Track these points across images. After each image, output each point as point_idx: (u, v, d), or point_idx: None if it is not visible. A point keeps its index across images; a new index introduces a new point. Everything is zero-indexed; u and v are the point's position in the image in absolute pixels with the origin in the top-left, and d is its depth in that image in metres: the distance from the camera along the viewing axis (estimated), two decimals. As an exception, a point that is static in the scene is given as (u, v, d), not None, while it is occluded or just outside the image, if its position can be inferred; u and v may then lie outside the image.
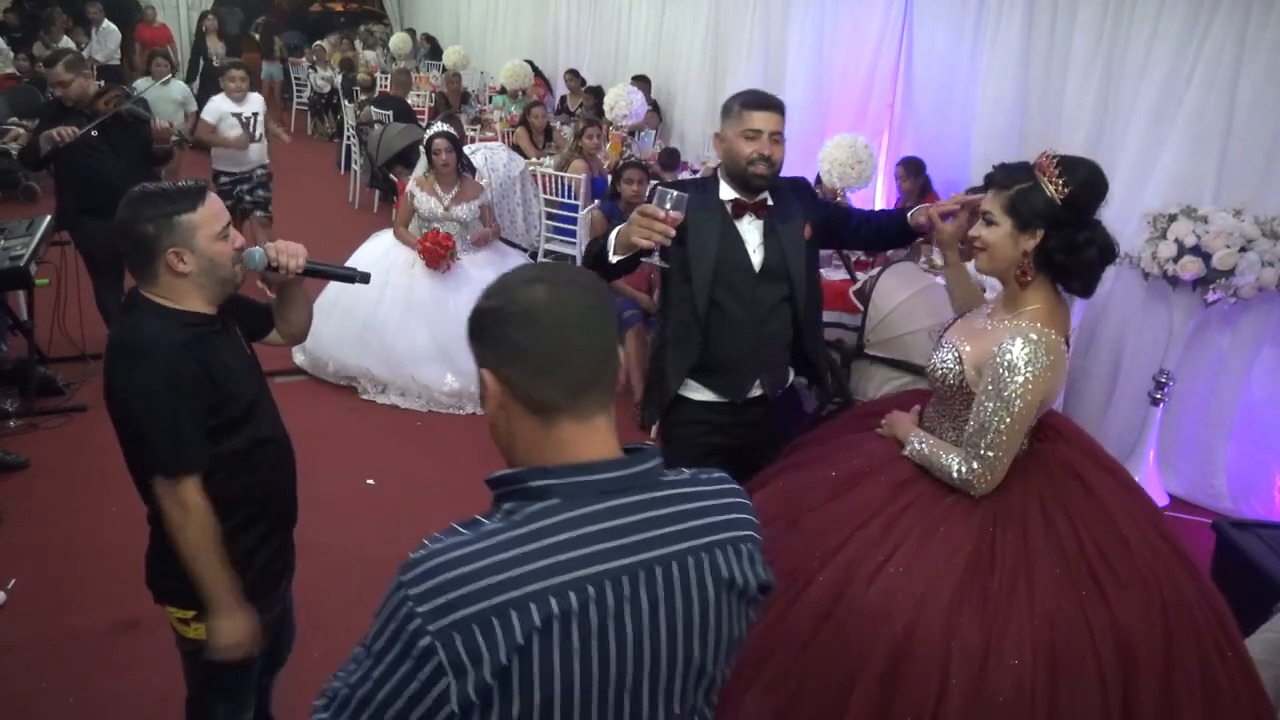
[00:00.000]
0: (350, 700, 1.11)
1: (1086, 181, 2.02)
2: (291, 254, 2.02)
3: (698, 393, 2.71)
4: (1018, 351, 1.98)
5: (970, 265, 2.39)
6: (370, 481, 4.21)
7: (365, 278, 2.23)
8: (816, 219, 2.72)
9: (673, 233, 2.32)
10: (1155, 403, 4.25)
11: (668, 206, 2.30)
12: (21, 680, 2.89)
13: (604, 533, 1.12)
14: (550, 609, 1.06)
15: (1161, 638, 1.90)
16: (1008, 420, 1.99)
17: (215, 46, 10.90)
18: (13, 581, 3.30)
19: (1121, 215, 4.40)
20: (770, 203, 2.63)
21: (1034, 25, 4.89)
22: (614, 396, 1.20)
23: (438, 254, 5.06)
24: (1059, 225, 2.01)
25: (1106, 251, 2.05)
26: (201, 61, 11.78)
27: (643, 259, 2.45)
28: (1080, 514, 2.02)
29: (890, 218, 2.81)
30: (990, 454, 2.01)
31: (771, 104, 2.60)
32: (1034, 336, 1.99)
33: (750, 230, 2.64)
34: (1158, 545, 2.03)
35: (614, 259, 2.44)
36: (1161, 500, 4.33)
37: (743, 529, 1.24)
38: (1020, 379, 1.97)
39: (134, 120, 4.75)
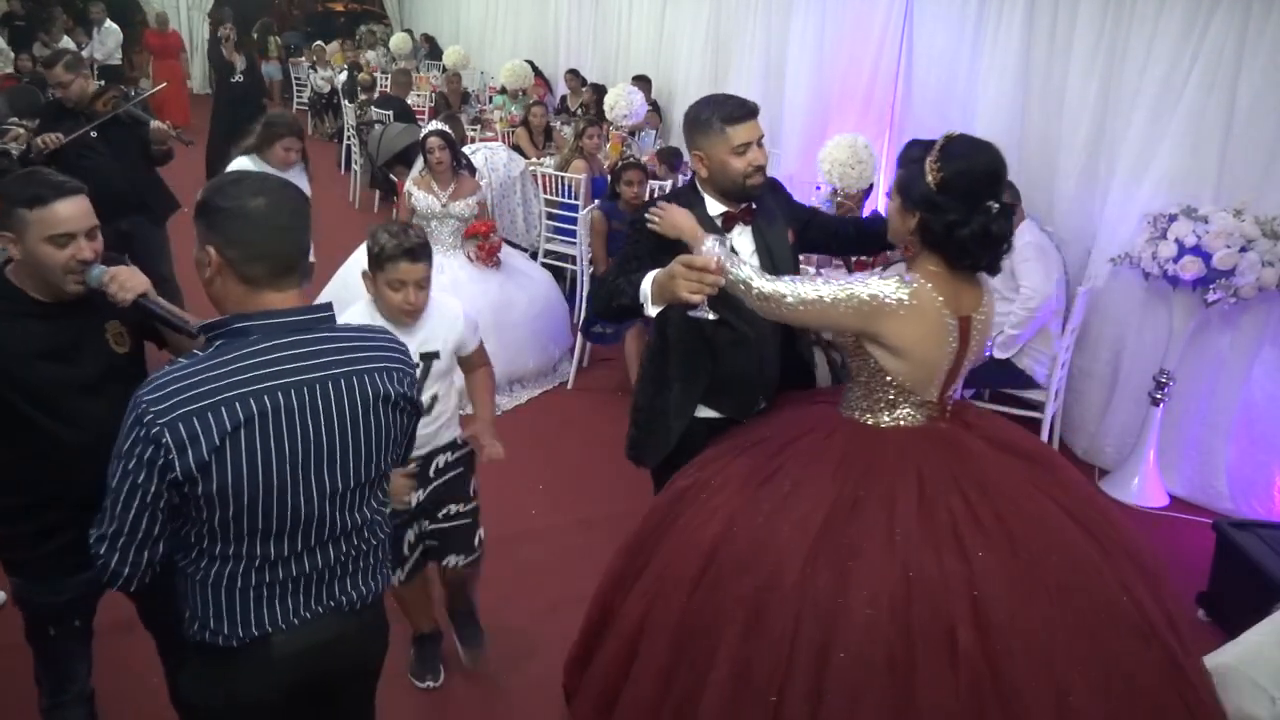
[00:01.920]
0: (107, 503, 1.54)
1: (963, 170, 2.08)
2: (124, 286, 2.02)
3: (701, 411, 2.63)
4: (875, 279, 2.13)
5: None
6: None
7: (195, 335, 2.01)
8: (798, 223, 2.68)
9: (723, 281, 2.14)
10: (1155, 403, 4.25)
11: (715, 254, 2.15)
12: (21, 680, 2.88)
13: (287, 358, 1.59)
14: (250, 408, 1.53)
15: (1036, 607, 1.88)
16: (822, 291, 2.10)
17: (233, 58, 9.87)
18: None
19: (1121, 214, 4.40)
20: (754, 206, 2.58)
21: (1034, 25, 4.89)
22: (307, 275, 1.76)
23: (493, 250, 5.27)
24: (932, 208, 2.09)
25: (985, 237, 2.10)
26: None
27: (689, 312, 2.26)
28: (959, 487, 2.04)
29: (872, 224, 2.78)
30: (785, 291, 2.13)
31: (751, 111, 2.46)
32: (904, 277, 2.12)
33: (742, 240, 2.58)
34: (1057, 525, 2.01)
35: (653, 311, 2.28)
36: (1162, 500, 4.32)
37: (393, 361, 1.73)
38: (865, 283, 2.10)
39: (132, 121, 4.74)
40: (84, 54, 9.92)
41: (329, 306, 1.71)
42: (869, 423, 2.22)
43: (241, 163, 4.47)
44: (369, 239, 2.59)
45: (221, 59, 8.84)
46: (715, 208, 2.53)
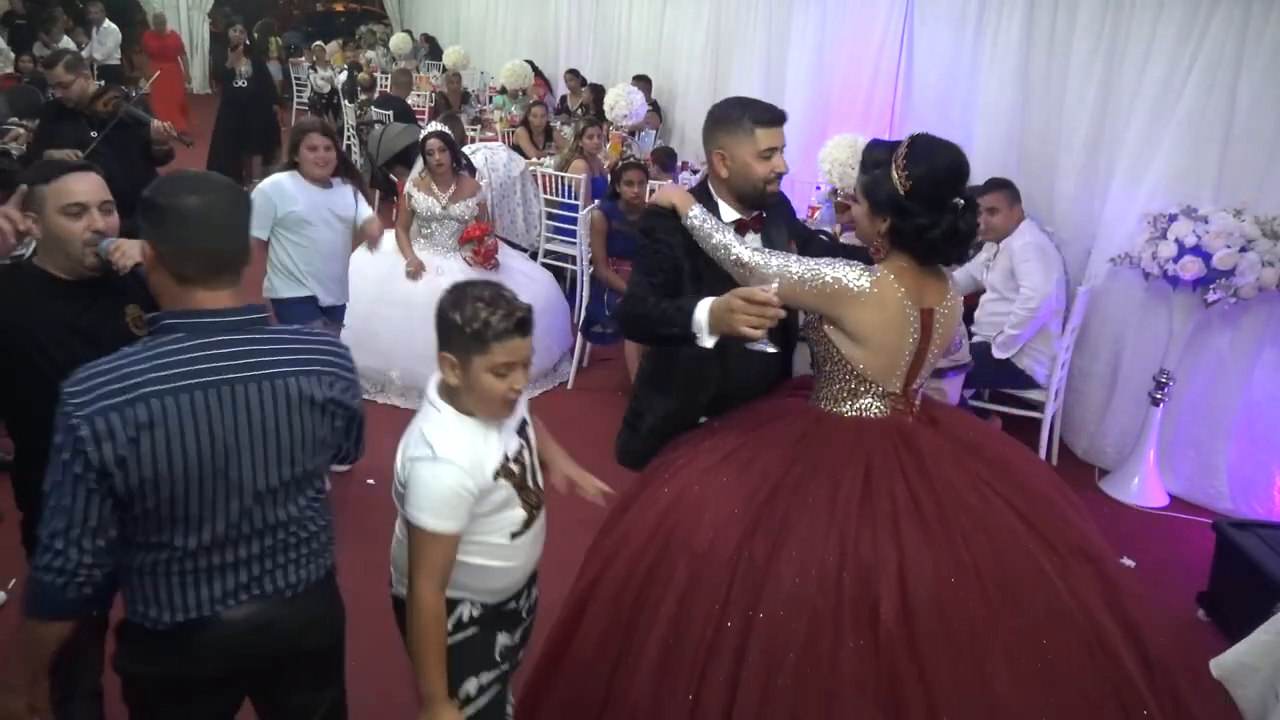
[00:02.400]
0: (50, 500, 1.59)
1: (928, 175, 2.08)
2: (125, 254, 2.07)
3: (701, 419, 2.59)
4: (844, 264, 2.15)
5: None
6: (370, 481, 4.21)
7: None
8: (799, 239, 2.66)
9: (784, 313, 2.07)
10: (1156, 403, 4.25)
11: (773, 286, 2.08)
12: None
13: (210, 357, 1.63)
14: (164, 405, 1.57)
15: (966, 597, 1.88)
16: (793, 269, 2.16)
17: (240, 64, 9.09)
18: (13, 581, 3.29)
19: (1121, 215, 4.40)
20: (764, 215, 2.55)
21: (1034, 25, 4.89)
22: (239, 276, 1.72)
23: (489, 254, 5.25)
24: (902, 213, 2.11)
25: (954, 236, 2.13)
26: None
27: (748, 345, 2.15)
28: (905, 477, 2.05)
29: (858, 250, 2.72)
30: (760, 262, 2.20)
31: (781, 117, 2.41)
32: (872, 269, 2.15)
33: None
34: (1003, 525, 2.01)
35: (709, 343, 2.17)
36: (1162, 500, 4.33)
37: (326, 365, 1.76)
38: (832, 266, 2.14)
39: (133, 122, 4.74)
40: (83, 54, 9.81)
41: (263, 308, 1.75)
42: (833, 411, 2.24)
43: (279, 178, 4.05)
44: (451, 310, 1.85)
45: (227, 64, 8.71)
46: (729, 213, 2.48)
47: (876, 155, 2.20)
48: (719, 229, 2.31)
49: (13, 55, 11.30)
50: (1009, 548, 1.97)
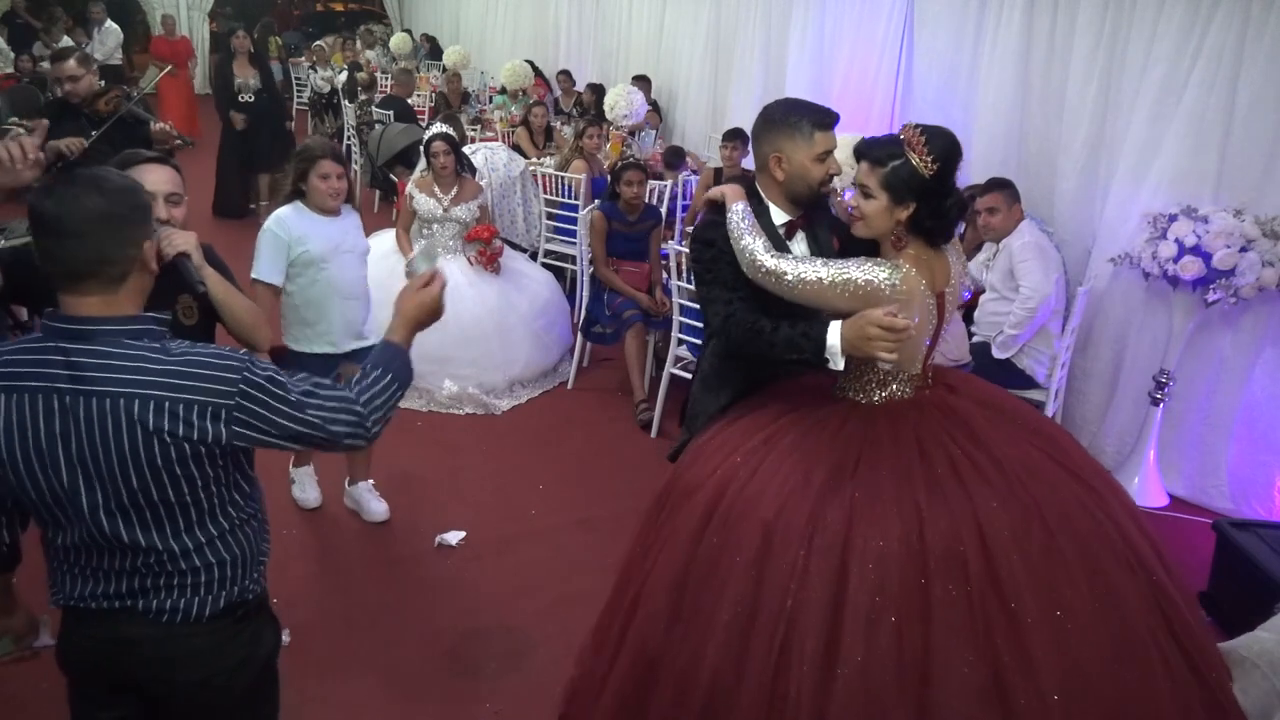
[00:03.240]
0: None
1: (949, 152, 2.21)
2: (171, 242, 2.11)
3: None
4: (870, 264, 2.19)
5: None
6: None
7: (198, 295, 2.26)
8: (839, 232, 2.65)
9: (914, 334, 2.16)
10: (1156, 403, 4.25)
11: (913, 316, 2.15)
12: (19, 681, 2.88)
13: (49, 363, 1.58)
14: None
15: (1033, 536, 2.01)
16: (821, 274, 2.19)
17: (246, 74, 7.87)
18: (13, 581, 3.29)
19: (1121, 214, 4.40)
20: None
21: (1034, 26, 4.89)
22: (121, 282, 1.63)
23: (494, 256, 5.25)
24: (927, 196, 2.21)
25: (963, 208, 2.29)
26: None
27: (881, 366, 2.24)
28: (954, 439, 2.17)
29: None
30: (787, 269, 2.22)
31: (837, 118, 2.45)
32: (897, 263, 2.20)
33: (798, 247, 2.54)
34: (1044, 468, 2.15)
35: (841, 366, 2.20)
36: (1162, 500, 4.33)
37: (177, 390, 1.59)
38: (861, 268, 2.17)
39: (134, 121, 4.74)
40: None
41: (136, 320, 1.64)
42: (863, 401, 2.33)
43: (283, 215, 3.55)
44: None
45: (228, 77, 7.62)
46: (779, 215, 2.50)
47: (885, 149, 2.24)
48: (751, 231, 2.33)
49: (12, 55, 11.32)
50: (1058, 489, 2.12)
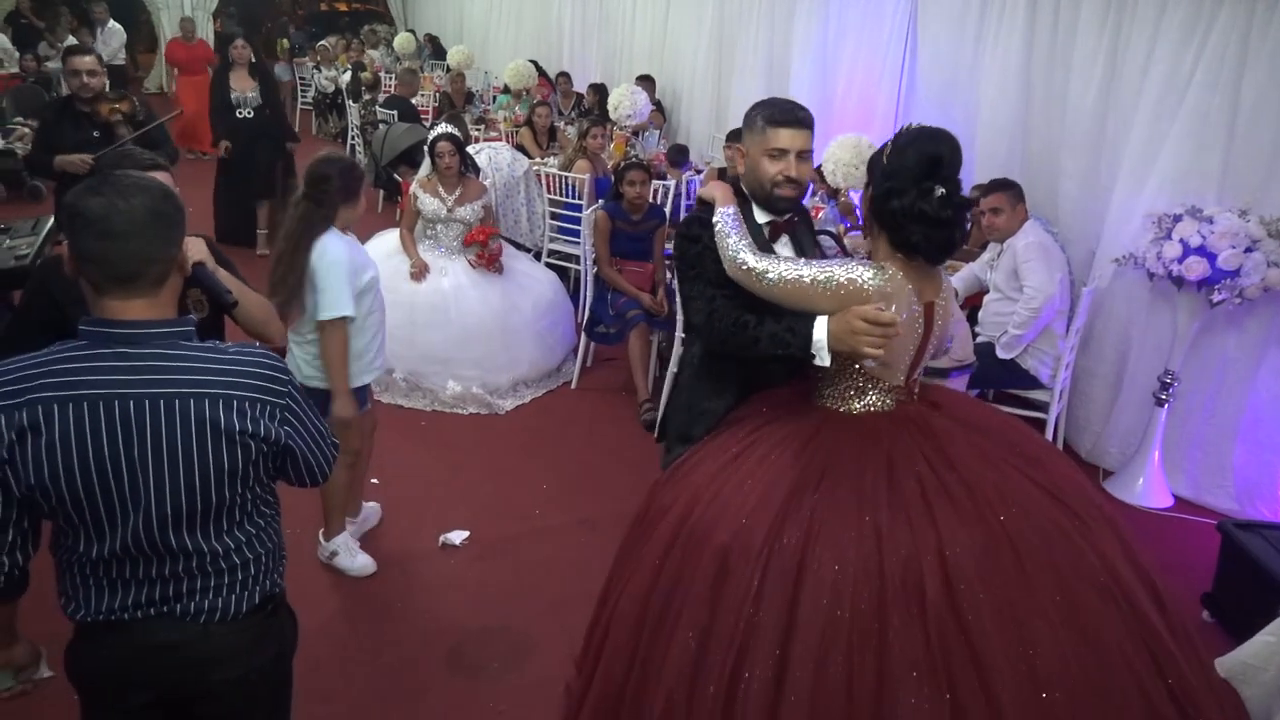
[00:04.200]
0: None
1: (908, 149, 2.19)
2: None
3: None
4: (851, 263, 2.19)
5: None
6: (374, 481, 4.21)
7: (230, 307, 2.16)
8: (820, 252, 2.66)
9: (901, 333, 2.12)
10: (1160, 403, 4.24)
11: (894, 309, 2.11)
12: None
13: (108, 369, 1.56)
14: (45, 411, 1.53)
15: (1001, 567, 1.92)
16: (802, 272, 2.17)
17: (244, 87, 6.93)
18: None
19: (1124, 215, 4.39)
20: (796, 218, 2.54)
21: (1036, 25, 4.88)
22: (161, 284, 1.62)
23: (493, 257, 5.23)
24: (882, 190, 2.21)
25: (920, 216, 2.22)
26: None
27: (866, 364, 2.20)
28: (926, 460, 2.10)
29: None
30: (769, 268, 2.20)
31: (800, 119, 2.37)
32: (882, 266, 2.18)
33: (783, 251, 2.51)
34: (1023, 493, 2.06)
35: (828, 361, 2.15)
36: (1166, 501, 4.32)
37: (241, 389, 1.62)
38: (845, 266, 2.16)
39: (139, 128, 4.73)
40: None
41: (180, 322, 1.65)
42: (840, 410, 2.28)
43: (335, 243, 3.23)
44: None
45: (224, 90, 6.88)
46: (762, 215, 2.48)
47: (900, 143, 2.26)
48: (737, 230, 2.31)
49: (17, 54, 11.34)
50: (1033, 514, 2.03)
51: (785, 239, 2.52)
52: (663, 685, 2.00)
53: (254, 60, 6.93)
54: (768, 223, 2.49)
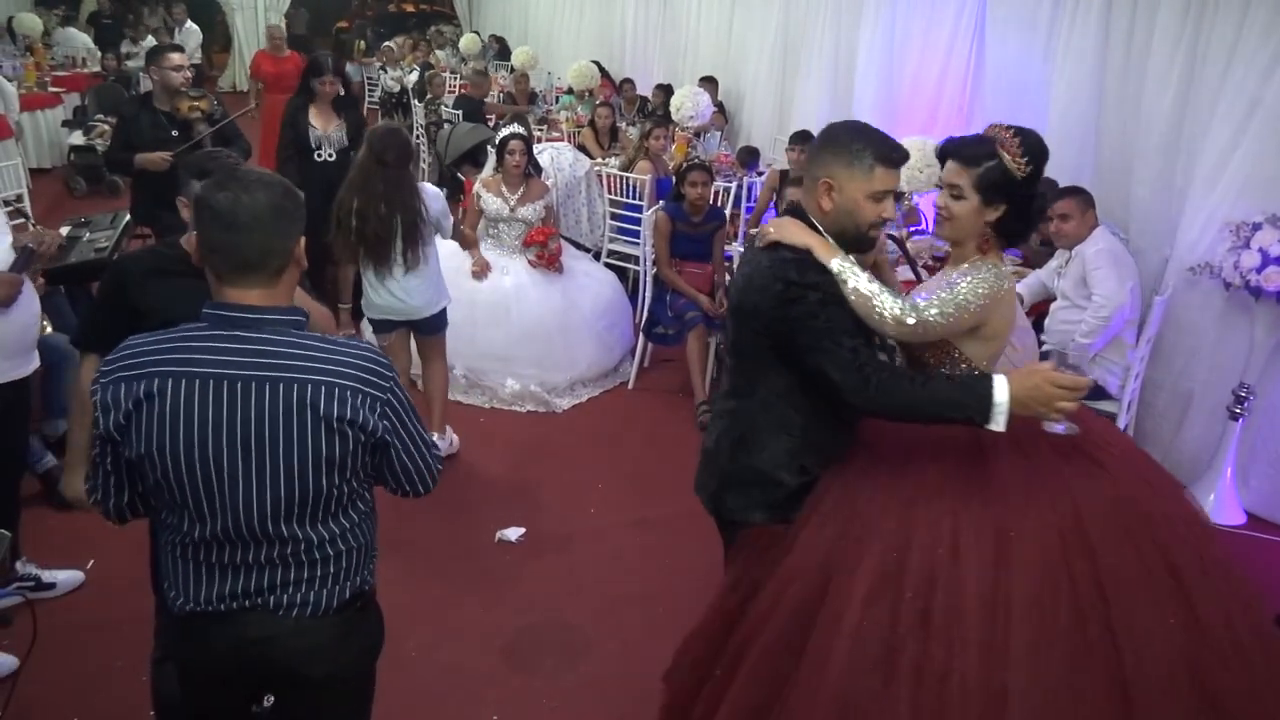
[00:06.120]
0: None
1: (1040, 154, 2.19)
2: None
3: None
4: (981, 271, 2.19)
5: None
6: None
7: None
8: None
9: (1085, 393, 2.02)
10: (1235, 417, 4.12)
11: (1072, 364, 2.06)
12: (98, 657, 2.99)
13: (217, 349, 1.65)
14: (160, 385, 1.63)
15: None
16: (959, 299, 2.13)
17: (327, 125, 5.63)
18: (91, 562, 3.41)
19: (1199, 222, 4.27)
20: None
21: (1111, 27, 4.76)
22: (279, 275, 1.71)
23: (553, 258, 5.27)
24: (1018, 198, 2.19)
25: (1043, 210, 2.39)
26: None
27: (1047, 426, 2.08)
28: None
29: None
30: (930, 310, 2.12)
31: (906, 158, 2.20)
32: (994, 267, 2.21)
33: None
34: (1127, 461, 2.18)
35: (1002, 428, 1.97)
36: (1239, 518, 4.20)
37: (344, 379, 1.68)
38: (978, 278, 2.16)
39: (220, 138, 4.85)
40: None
41: (293, 311, 1.73)
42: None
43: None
44: None
45: (301, 128, 5.52)
46: None
47: (977, 149, 2.20)
48: (871, 282, 2.13)
49: (99, 53, 11.73)
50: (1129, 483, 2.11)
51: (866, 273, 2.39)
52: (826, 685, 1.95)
53: (342, 92, 5.71)
54: None
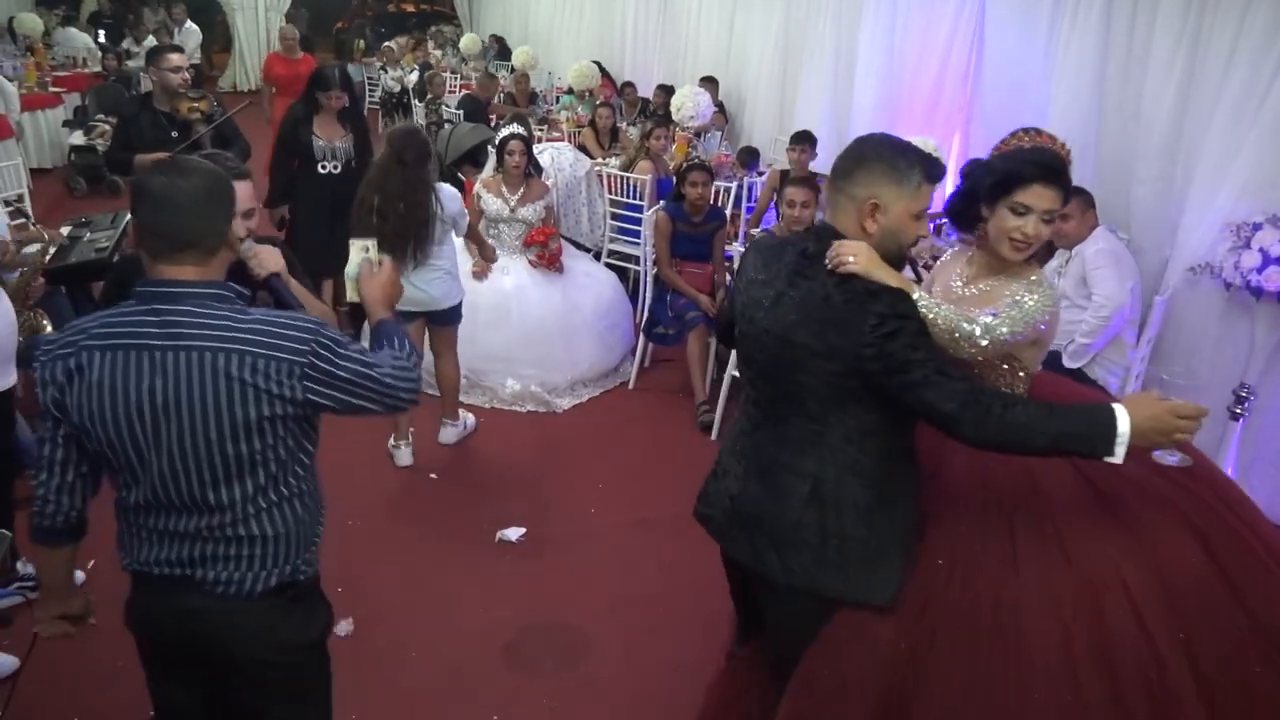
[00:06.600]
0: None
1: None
2: (262, 263, 2.22)
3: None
4: (1044, 285, 2.24)
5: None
6: (432, 475, 4.27)
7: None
8: None
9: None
10: (1235, 417, 4.12)
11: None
12: (100, 659, 2.98)
13: (144, 323, 1.73)
14: (85, 359, 1.73)
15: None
16: (1023, 322, 2.16)
17: (333, 135, 5.38)
18: (91, 563, 3.40)
19: (1200, 221, 4.26)
20: None
21: (1112, 25, 4.76)
22: (212, 255, 1.79)
23: (553, 258, 5.27)
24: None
25: None
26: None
27: (1156, 456, 2.06)
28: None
29: None
30: (1002, 331, 2.15)
31: (945, 173, 2.14)
32: (1034, 280, 2.25)
33: None
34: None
35: (1119, 460, 1.90)
36: (1238, 518, 4.19)
37: (260, 347, 1.73)
38: (1034, 298, 2.19)
39: (219, 136, 4.85)
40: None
41: (220, 285, 1.80)
42: None
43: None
44: None
45: (305, 139, 5.28)
46: None
47: (1056, 169, 2.20)
48: (937, 304, 2.15)
49: (100, 53, 11.73)
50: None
51: None
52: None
53: (347, 105, 5.39)
54: None
